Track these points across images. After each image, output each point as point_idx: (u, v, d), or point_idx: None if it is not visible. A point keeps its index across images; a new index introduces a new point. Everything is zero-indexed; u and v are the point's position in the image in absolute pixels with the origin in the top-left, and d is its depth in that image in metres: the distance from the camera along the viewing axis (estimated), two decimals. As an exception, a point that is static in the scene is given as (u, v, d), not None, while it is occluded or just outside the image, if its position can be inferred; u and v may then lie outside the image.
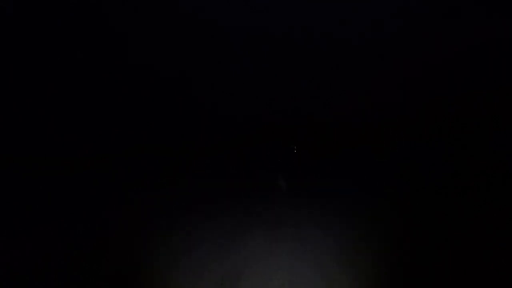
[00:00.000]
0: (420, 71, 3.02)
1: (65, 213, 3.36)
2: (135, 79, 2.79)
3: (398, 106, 3.39)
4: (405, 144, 3.64)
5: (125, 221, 3.39)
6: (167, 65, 2.73)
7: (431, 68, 2.97)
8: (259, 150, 3.63)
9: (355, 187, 3.61)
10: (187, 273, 3.09)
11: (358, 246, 3.27)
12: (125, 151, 3.47)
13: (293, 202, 3.52)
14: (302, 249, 3.19)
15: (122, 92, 2.91)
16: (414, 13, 2.49)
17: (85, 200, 3.43)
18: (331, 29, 2.59)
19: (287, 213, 3.48)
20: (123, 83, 2.82)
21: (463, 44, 2.76)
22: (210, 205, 3.45)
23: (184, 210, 3.41)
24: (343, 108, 3.36)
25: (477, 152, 3.58)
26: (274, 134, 3.49)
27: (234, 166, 3.58)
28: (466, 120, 3.49)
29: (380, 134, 3.57)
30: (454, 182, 3.52)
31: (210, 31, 2.48)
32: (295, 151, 3.36)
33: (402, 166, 3.64)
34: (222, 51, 2.63)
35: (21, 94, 2.83)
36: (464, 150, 3.62)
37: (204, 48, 2.59)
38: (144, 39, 2.48)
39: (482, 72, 3.01)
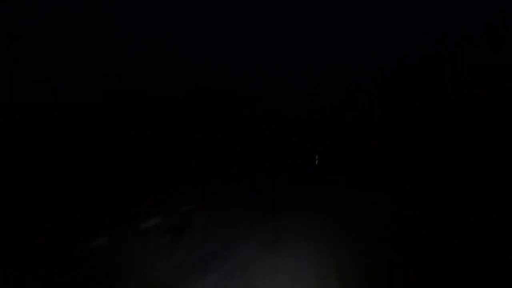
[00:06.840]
0: (420, 72, 3.04)
1: (65, 213, 3.36)
2: (138, 77, 2.80)
3: (398, 106, 3.40)
4: (405, 144, 3.65)
5: (127, 221, 3.39)
6: (179, 66, 2.74)
7: (431, 68, 2.99)
8: (258, 151, 3.64)
9: (356, 187, 3.62)
10: (187, 273, 3.08)
11: (362, 247, 3.26)
12: (125, 152, 3.47)
13: (297, 203, 3.51)
14: (306, 249, 3.18)
15: (125, 92, 2.92)
16: (416, 13, 2.50)
17: (85, 200, 3.43)
18: (331, 30, 2.60)
19: (291, 214, 3.47)
20: (127, 81, 2.83)
21: (463, 44, 2.78)
22: (213, 206, 3.45)
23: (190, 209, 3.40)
24: (343, 108, 3.38)
25: (477, 152, 3.59)
26: (274, 135, 3.50)
27: (238, 166, 3.59)
28: (466, 120, 3.50)
29: (380, 134, 3.57)
30: (454, 182, 3.53)
31: (214, 31, 2.48)
32: (316, 156, 3.37)
33: (402, 166, 3.66)
34: (229, 51, 2.64)
35: (20, 93, 2.84)
36: (464, 150, 3.63)
37: (212, 48, 2.60)
38: (149, 38, 2.49)
39: (482, 71, 3.03)
